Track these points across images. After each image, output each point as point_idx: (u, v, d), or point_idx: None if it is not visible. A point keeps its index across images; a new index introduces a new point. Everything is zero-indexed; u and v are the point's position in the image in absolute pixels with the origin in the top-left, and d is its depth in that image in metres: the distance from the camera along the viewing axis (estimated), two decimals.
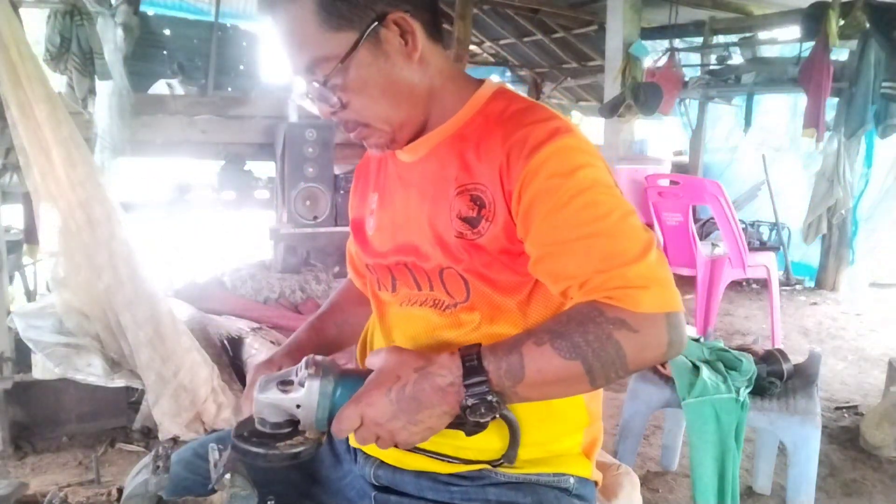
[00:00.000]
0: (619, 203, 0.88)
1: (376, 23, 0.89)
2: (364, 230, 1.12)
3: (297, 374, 0.86)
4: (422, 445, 0.90)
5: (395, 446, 0.86)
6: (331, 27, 0.88)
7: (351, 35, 0.88)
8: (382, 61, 0.91)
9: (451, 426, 0.86)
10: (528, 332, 0.86)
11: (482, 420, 0.83)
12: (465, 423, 0.84)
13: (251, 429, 0.87)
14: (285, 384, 0.85)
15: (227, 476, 0.86)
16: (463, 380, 0.82)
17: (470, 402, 0.82)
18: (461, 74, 1.02)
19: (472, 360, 0.82)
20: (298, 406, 0.84)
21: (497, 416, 0.84)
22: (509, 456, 0.94)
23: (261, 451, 0.84)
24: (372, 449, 1.04)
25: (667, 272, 0.85)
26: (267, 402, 0.85)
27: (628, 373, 0.84)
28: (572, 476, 1.02)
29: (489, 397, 0.81)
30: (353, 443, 1.08)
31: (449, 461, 0.96)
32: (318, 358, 0.87)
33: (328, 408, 0.84)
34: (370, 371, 0.86)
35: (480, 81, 1.03)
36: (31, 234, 3.15)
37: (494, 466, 0.97)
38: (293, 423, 0.86)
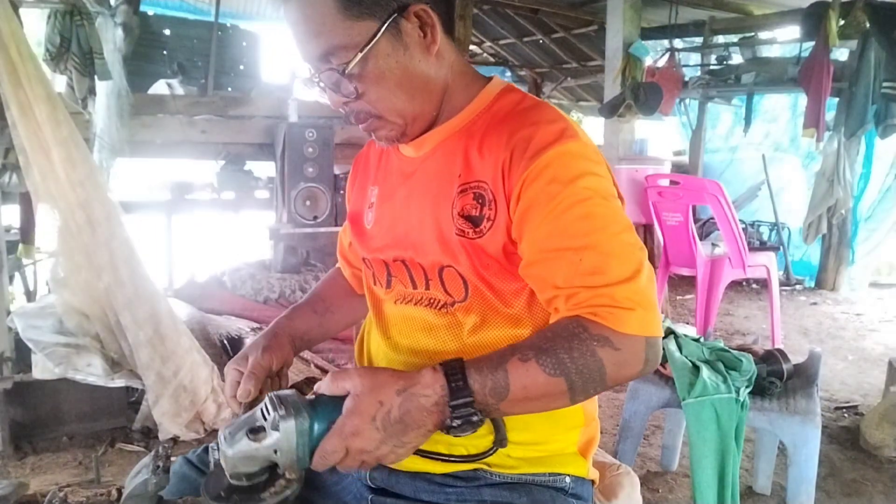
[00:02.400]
0: (616, 217, 0.88)
1: (397, 13, 0.88)
2: (362, 223, 1.11)
3: (264, 418, 0.80)
4: None
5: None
6: (351, 15, 0.87)
7: (371, 24, 0.87)
8: (401, 53, 0.90)
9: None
10: (512, 347, 0.84)
11: (463, 435, 0.82)
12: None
13: (227, 485, 0.80)
14: (255, 432, 0.79)
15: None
16: (449, 399, 0.80)
17: (455, 423, 0.80)
18: (470, 70, 1.02)
19: (457, 378, 0.80)
20: (276, 451, 0.78)
21: (478, 429, 0.82)
22: (500, 441, 0.94)
23: None
24: None
25: (653, 295, 0.85)
26: (241, 455, 0.78)
27: (606, 388, 0.84)
28: (568, 475, 1.01)
29: (474, 418, 0.80)
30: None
31: (443, 460, 0.96)
32: (283, 394, 0.82)
33: (308, 445, 0.79)
34: (339, 397, 0.82)
35: (489, 78, 1.02)
36: (26, 234, 3.15)
37: (489, 456, 0.96)
38: (269, 467, 0.80)
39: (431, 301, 0.99)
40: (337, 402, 0.81)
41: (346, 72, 0.89)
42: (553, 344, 0.82)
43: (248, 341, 3.04)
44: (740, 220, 3.98)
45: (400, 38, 0.90)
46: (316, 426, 0.79)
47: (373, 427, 0.79)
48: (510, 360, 0.81)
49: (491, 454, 0.96)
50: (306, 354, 3.15)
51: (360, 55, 0.88)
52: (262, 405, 0.81)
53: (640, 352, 0.83)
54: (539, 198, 0.87)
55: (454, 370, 0.81)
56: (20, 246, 3.17)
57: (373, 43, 0.87)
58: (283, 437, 0.78)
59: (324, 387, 0.84)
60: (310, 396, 0.85)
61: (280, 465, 0.79)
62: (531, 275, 0.90)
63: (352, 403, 0.80)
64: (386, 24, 0.88)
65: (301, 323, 1.16)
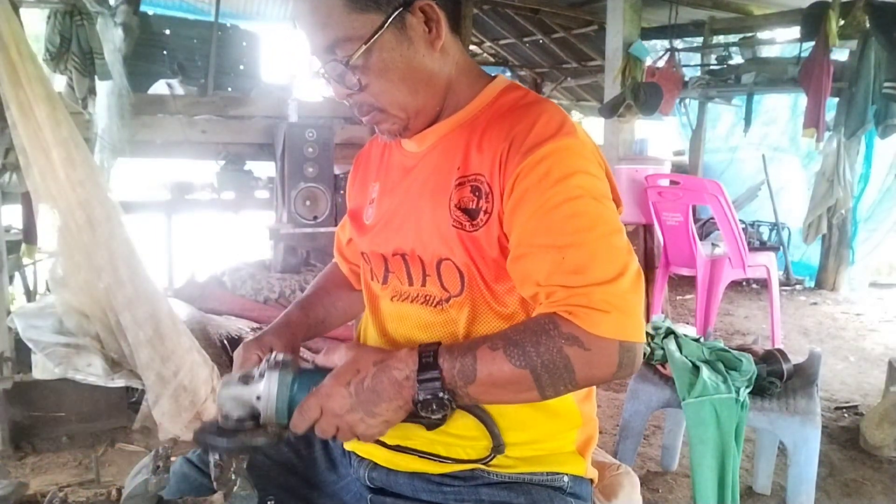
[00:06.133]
0: (605, 218, 0.88)
1: (402, 8, 0.89)
2: (362, 219, 1.11)
3: (257, 370, 0.90)
4: (413, 445, 0.90)
5: (357, 438, 0.87)
6: (357, 8, 0.88)
7: (376, 17, 0.89)
8: (405, 47, 0.91)
9: (412, 421, 0.87)
10: (485, 336, 0.87)
11: (433, 416, 0.85)
12: (421, 417, 0.86)
13: (215, 424, 0.90)
14: (246, 378, 0.89)
15: (231, 476, 0.87)
16: (417, 374, 0.83)
17: (422, 396, 0.84)
18: (476, 67, 1.02)
19: (428, 356, 0.85)
20: (258, 398, 0.87)
21: (449, 413, 0.85)
22: (497, 447, 0.95)
23: (222, 441, 0.86)
24: (366, 451, 1.05)
25: (635, 300, 0.85)
26: (229, 396, 0.88)
27: (577, 387, 0.85)
28: (566, 475, 1.02)
29: (441, 394, 0.83)
30: (348, 446, 1.08)
31: (441, 461, 0.97)
32: (280, 355, 0.90)
33: (287, 399, 0.87)
34: (329, 368, 0.89)
35: (493, 76, 1.03)
36: (29, 234, 3.15)
37: (487, 462, 0.97)
38: (255, 417, 0.88)
39: (427, 298, 0.99)
40: (325, 371, 0.89)
41: (350, 63, 0.90)
42: (522, 337, 0.84)
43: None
44: (740, 220, 3.98)
45: (404, 33, 0.90)
46: (297, 383, 0.88)
47: (346, 392, 0.85)
48: (481, 347, 0.85)
49: (489, 461, 0.96)
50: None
51: (363, 47, 0.89)
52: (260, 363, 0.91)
53: (613, 355, 0.83)
54: (530, 192, 0.87)
55: (427, 350, 0.85)
56: (23, 246, 3.17)
57: (377, 36, 0.89)
58: (265, 384, 0.87)
59: (319, 358, 0.91)
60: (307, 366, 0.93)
61: (262, 415, 0.87)
62: (514, 269, 0.90)
63: (334, 370, 0.87)
64: (391, 18, 0.89)
65: (313, 317, 1.19)
